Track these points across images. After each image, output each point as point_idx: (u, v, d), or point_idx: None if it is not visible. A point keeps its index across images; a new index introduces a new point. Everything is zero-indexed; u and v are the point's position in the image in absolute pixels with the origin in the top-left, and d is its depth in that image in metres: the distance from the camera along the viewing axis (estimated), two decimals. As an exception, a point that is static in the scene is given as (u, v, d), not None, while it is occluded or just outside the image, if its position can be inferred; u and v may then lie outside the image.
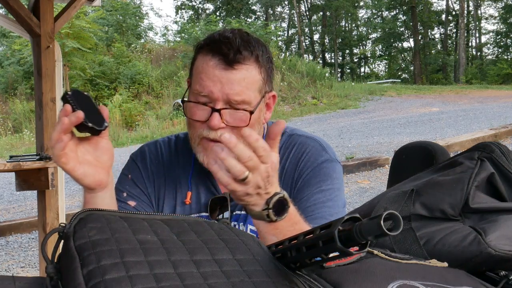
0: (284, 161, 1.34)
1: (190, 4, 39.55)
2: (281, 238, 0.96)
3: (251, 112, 1.23)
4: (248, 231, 1.30)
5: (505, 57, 33.15)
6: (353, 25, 40.59)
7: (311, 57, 36.86)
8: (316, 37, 40.97)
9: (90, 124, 0.99)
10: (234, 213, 1.32)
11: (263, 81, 1.26)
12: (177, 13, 39.99)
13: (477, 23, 35.82)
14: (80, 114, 0.96)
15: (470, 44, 36.14)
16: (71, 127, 0.97)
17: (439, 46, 36.92)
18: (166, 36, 32.82)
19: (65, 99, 0.99)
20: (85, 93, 1.05)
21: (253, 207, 1.00)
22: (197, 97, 1.23)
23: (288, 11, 40.64)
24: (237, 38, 1.22)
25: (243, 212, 1.32)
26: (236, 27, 1.27)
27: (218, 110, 1.20)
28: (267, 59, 1.26)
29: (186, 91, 1.30)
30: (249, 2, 37.70)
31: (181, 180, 1.37)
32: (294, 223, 1.06)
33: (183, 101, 1.26)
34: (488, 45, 36.64)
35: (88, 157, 1.04)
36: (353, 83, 21.56)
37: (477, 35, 36.60)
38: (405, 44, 38.25)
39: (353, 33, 40.22)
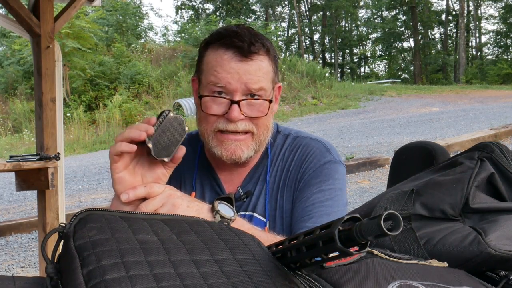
0: (289, 163, 1.34)
1: (190, 4, 39.58)
2: None
3: (270, 101, 1.25)
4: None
5: (505, 57, 33.18)
6: (353, 25, 40.60)
7: (311, 57, 36.90)
8: (316, 37, 41.01)
9: (149, 145, 1.00)
10: (239, 213, 1.32)
11: (274, 72, 1.29)
12: (177, 13, 40.06)
13: (477, 23, 35.83)
14: (150, 131, 1.00)
15: (470, 44, 36.17)
16: (138, 140, 1.01)
17: (439, 46, 36.93)
18: (166, 36, 32.88)
19: (160, 114, 1.03)
20: (186, 127, 1.05)
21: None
22: (212, 88, 1.23)
23: (288, 11, 40.68)
24: (246, 32, 1.24)
25: (248, 213, 1.32)
26: (255, 31, 1.29)
27: (237, 102, 1.21)
28: (275, 52, 1.30)
29: (199, 87, 1.29)
30: (249, 2, 37.71)
31: (185, 180, 1.37)
32: (251, 227, 1.09)
33: (200, 97, 1.25)
34: (488, 45, 36.69)
35: (138, 170, 1.05)
36: (353, 83, 21.58)
37: (477, 35, 36.64)
38: (405, 44, 38.33)
39: (353, 33, 40.24)
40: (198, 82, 1.30)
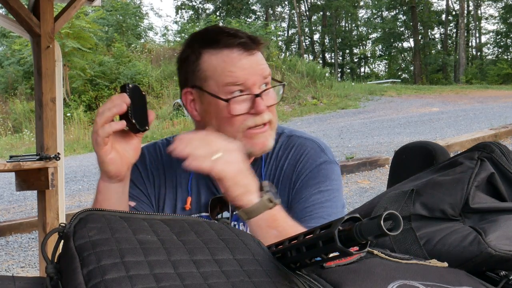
0: (282, 162, 1.34)
1: (190, 4, 39.55)
2: (281, 231, 1.04)
3: (284, 85, 1.30)
4: (249, 231, 1.30)
5: (505, 57, 33.17)
6: (353, 25, 40.58)
7: (311, 57, 36.88)
8: (316, 37, 40.99)
9: (133, 121, 1.04)
10: (235, 213, 1.32)
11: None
12: (177, 13, 40.00)
13: (477, 23, 35.82)
14: (128, 101, 1.02)
15: (470, 44, 36.15)
16: (121, 112, 1.03)
17: (439, 46, 36.91)
18: (166, 36, 32.85)
19: (123, 89, 1.05)
20: (143, 92, 1.09)
21: (250, 200, 1.05)
22: (230, 89, 1.22)
23: (288, 11, 40.66)
24: (233, 30, 1.28)
25: None
26: (235, 28, 1.31)
27: (259, 95, 1.23)
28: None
29: (203, 94, 1.25)
30: (249, 2, 37.68)
31: (181, 181, 1.36)
32: (287, 215, 1.11)
33: (226, 100, 1.22)
34: (488, 45, 36.67)
35: (117, 146, 1.08)
36: (353, 83, 21.56)
37: (477, 35, 36.62)
38: (405, 44, 38.28)
39: (353, 33, 40.22)
40: (198, 91, 1.26)
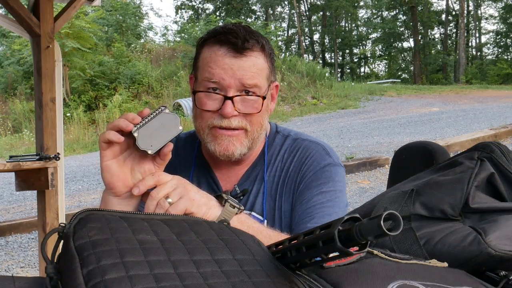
0: (288, 164, 1.35)
1: (190, 4, 39.55)
2: (254, 233, 1.04)
3: (264, 98, 1.25)
4: None
5: (505, 57, 33.18)
6: (353, 25, 40.60)
7: (311, 57, 36.90)
8: (316, 37, 41.00)
9: (135, 134, 0.99)
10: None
11: (269, 69, 1.29)
12: (177, 13, 40.00)
13: (477, 23, 35.84)
14: (136, 121, 1.00)
15: (470, 44, 36.16)
16: (125, 130, 1.00)
17: (439, 46, 36.92)
18: (166, 36, 32.85)
19: (158, 108, 1.01)
20: (181, 127, 1.03)
21: (214, 213, 1.04)
22: (207, 84, 1.23)
23: (288, 11, 40.67)
24: (241, 29, 1.25)
25: (245, 211, 1.33)
26: (250, 29, 1.30)
27: (231, 98, 1.21)
28: (271, 49, 1.30)
29: (195, 83, 1.30)
30: (249, 2, 37.71)
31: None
32: (255, 221, 1.12)
33: (194, 92, 1.26)
34: (488, 45, 36.69)
35: (128, 162, 1.05)
36: (353, 83, 21.56)
37: (477, 35, 36.64)
38: (405, 44, 38.31)
39: (353, 33, 40.23)
40: (195, 80, 1.31)
